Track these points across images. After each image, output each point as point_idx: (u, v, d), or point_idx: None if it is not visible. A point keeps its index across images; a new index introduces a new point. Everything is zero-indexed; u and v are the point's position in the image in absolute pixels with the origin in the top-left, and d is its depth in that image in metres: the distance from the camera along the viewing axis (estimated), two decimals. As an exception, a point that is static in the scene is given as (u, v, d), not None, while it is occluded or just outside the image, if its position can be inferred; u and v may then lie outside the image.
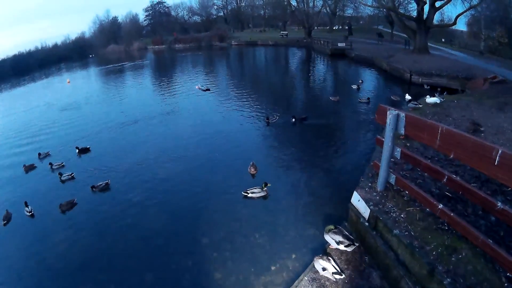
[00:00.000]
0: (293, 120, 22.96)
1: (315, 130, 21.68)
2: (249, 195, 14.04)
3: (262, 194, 14.05)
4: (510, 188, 8.41)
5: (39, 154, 22.03)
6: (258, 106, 28.70)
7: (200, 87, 38.42)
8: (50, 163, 20.24)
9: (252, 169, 16.19)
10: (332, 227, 9.47)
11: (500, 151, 5.10)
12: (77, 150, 21.86)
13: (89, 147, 22.29)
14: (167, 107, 32.42)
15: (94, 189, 16.29)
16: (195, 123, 25.60)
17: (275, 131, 22.00)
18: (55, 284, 10.97)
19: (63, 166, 20.11)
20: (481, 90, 22.34)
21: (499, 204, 5.85)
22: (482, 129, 13.57)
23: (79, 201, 15.47)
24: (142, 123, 27.90)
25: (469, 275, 6.04)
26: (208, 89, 37.25)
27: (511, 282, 5.84)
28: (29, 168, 20.45)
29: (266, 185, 14.19)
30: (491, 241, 5.93)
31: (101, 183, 16.49)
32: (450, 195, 8.40)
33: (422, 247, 6.83)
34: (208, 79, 46.69)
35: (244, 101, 31.02)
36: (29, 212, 15.35)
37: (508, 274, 5.92)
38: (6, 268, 12.19)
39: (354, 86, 31.64)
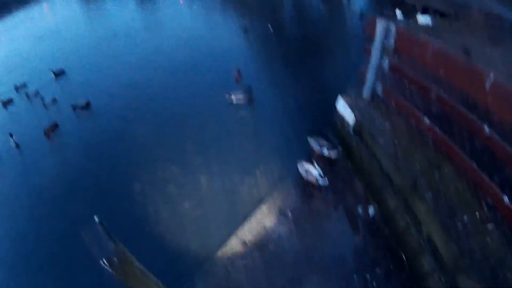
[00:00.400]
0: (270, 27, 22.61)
1: (301, 38, 21.42)
2: (234, 102, 14.07)
3: (245, 98, 14.07)
4: (497, 117, 8.57)
5: (16, 86, 21.70)
6: (240, 15, 28.18)
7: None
8: (26, 94, 20.25)
9: (236, 75, 16.18)
10: (316, 131, 9.63)
11: (492, 76, 5.18)
12: (52, 74, 21.62)
13: (63, 69, 22.07)
14: (150, 21, 31.82)
15: (75, 109, 16.20)
16: (179, 34, 25.13)
17: (258, 39, 21.69)
18: (47, 208, 11.23)
19: (37, 93, 20.01)
20: (475, 21, 22.07)
21: (487, 129, 5.97)
22: (472, 56, 13.56)
23: (63, 124, 15.43)
24: (121, 36, 27.43)
25: (450, 194, 6.27)
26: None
27: (491, 208, 6.04)
28: (7, 102, 20.27)
29: (249, 90, 14.39)
30: (475, 164, 6.09)
31: (81, 102, 16.34)
32: (437, 113, 8.43)
33: (406, 159, 7.03)
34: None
35: (227, 12, 30.20)
36: (14, 143, 15.45)
37: (489, 200, 6.12)
38: None
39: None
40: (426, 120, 7.14)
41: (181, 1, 35.39)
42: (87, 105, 16.44)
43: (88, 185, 11.66)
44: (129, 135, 13.52)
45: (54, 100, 18.18)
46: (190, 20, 28.75)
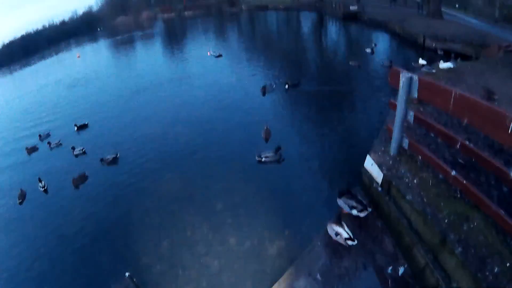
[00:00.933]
0: (286, 86, 22.63)
1: (327, 94, 21.60)
2: (263, 159, 14.13)
3: (275, 158, 14.15)
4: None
5: (40, 135, 22.26)
6: (270, 71, 28.45)
7: (212, 53, 37.57)
8: (49, 142, 20.49)
9: (266, 133, 16.25)
10: (345, 191, 9.56)
11: (512, 118, 5.10)
12: (75, 127, 22.05)
13: (87, 123, 22.49)
14: (178, 74, 32.51)
15: (102, 162, 16.48)
16: (207, 89, 25.53)
17: (288, 96, 21.91)
18: (74, 256, 11.28)
19: (60, 144, 20.40)
20: (495, 58, 22.02)
21: (512, 173, 5.87)
22: (495, 97, 13.44)
23: (91, 174, 15.73)
24: (151, 90, 28.13)
25: (480, 246, 6.10)
26: (220, 55, 36.37)
27: None
28: (32, 150, 20.67)
29: (279, 149, 14.28)
30: (502, 211, 5.97)
31: (109, 156, 16.65)
32: (463, 162, 8.37)
33: (434, 215, 6.91)
34: (219, 44, 46.14)
35: (256, 67, 30.67)
36: (43, 188, 15.70)
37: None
38: (26, 244, 12.55)
39: (368, 50, 31.01)
40: (453, 172, 7.03)
41: (209, 53, 36.13)
42: (114, 159, 16.61)
43: (116, 235, 11.62)
44: (156, 191, 13.53)
45: (85, 152, 18.30)
46: (218, 73, 29.32)
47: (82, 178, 15.38)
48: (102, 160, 16.47)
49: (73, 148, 18.44)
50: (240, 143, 16.24)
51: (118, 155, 16.77)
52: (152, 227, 11.57)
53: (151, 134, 18.62)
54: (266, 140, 15.91)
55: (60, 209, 13.92)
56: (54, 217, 13.57)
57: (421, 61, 22.46)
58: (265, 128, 16.32)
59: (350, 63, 27.59)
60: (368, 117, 17.42)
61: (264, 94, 22.02)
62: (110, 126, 21.64)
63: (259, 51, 38.45)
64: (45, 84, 42.49)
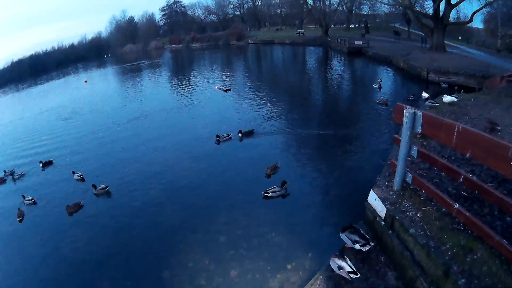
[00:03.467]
0: (240, 135, 21.45)
1: (332, 128, 21.65)
2: (270, 194, 14.05)
3: (281, 192, 14.09)
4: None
5: (4, 171, 21.27)
6: (277, 108, 28.49)
7: (221, 87, 37.45)
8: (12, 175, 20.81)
9: (268, 170, 16.15)
10: (348, 226, 9.49)
11: (515, 150, 5.09)
12: (40, 164, 21.45)
13: (52, 160, 22.00)
14: (184, 107, 32.65)
15: (95, 190, 16.32)
16: (213, 124, 25.43)
17: (293, 131, 21.97)
18: (72, 281, 11.17)
19: (23, 175, 20.63)
20: (498, 88, 22.08)
21: (514, 203, 5.84)
22: (499, 128, 13.45)
23: (89, 203, 15.69)
24: (152, 116, 28.91)
25: (484, 276, 6.04)
26: (229, 89, 36.26)
27: None
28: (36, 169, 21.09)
29: (285, 183, 14.21)
30: (506, 241, 5.92)
31: (101, 187, 16.57)
32: (467, 194, 8.34)
33: (438, 247, 6.84)
34: (226, 78, 46.78)
35: (263, 102, 30.83)
36: (30, 200, 16.23)
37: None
38: (24, 264, 12.48)
39: (376, 85, 31.08)
40: (456, 204, 6.99)
41: (216, 88, 36.35)
42: (105, 189, 16.42)
43: (116, 264, 11.40)
44: (162, 221, 13.53)
45: (83, 178, 18.32)
46: (223, 107, 29.32)
47: (77, 206, 15.24)
48: (94, 187, 16.41)
49: (74, 172, 18.75)
50: (245, 177, 16.23)
51: (109, 186, 16.66)
52: (153, 257, 11.50)
53: (157, 161, 18.80)
54: (269, 176, 15.82)
55: (53, 235, 13.84)
56: (53, 239, 13.51)
57: (424, 95, 22.62)
58: (273, 164, 16.28)
59: (377, 101, 26.86)
60: (373, 152, 17.43)
61: (218, 143, 21.16)
62: (120, 151, 21.87)
63: (266, 87, 38.72)
64: (48, 108, 43.07)
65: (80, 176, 18.61)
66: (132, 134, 25.08)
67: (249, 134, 21.57)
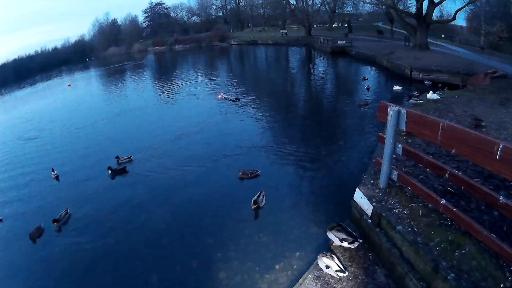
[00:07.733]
0: (110, 172, 18.36)
1: (316, 129, 21.67)
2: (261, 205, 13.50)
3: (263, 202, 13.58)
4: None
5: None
6: (259, 110, 28.29)
7: (226, 96, 32.56)
8: None
9: (240, 173, 15.93)
10: (335, 224, 9.48)
11: (501, 146, 5.10)
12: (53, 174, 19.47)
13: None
14: (167, 111, 32.80)
15: (55, 223, 14.32)
16: (199, 127, 25.22)
17: (276, 132, 21.99)
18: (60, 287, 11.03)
19: None
20: (482, 85, 22.32)
21: (502, 198, 5.85)
22: (483, 124, 13.58)
23: (75, 208, 15.40)
24: (136, 118, 29.22)
25: (473, 271, 6.05)
26: (237, 99, 31.15)
27: None
28: None
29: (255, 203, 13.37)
30: (494, 236, 5.93)
31: (124, 160, 16.36)
32: (453, 190, 8.41)
33: (426, 243, 6.84)
34: (209, 80, 46.55)
35: (244, 103, 30.66)
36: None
37: None
38: (7, 271, 12.30)
39: (365, 86, 30.78)
40: (442, 200, 7.00)
41: (219, 96, 33.03)
42: (129, 158, 17.55)
43: (104, 269, 11.21)
44: (149, 225, 13.33)
45: (55, 176, 18.41)
46: (219, 119, 28.27)
47: (39, 231, 14.17)
48: (55, 220, 14.40)
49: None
50: (229, 180, 16.11)
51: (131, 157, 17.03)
52: (141, 262, 11.36)
53: (145, 165, 18.58)
54: (241, 179, 15.59)
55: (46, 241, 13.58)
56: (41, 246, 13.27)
57: (396, 87, 23.04)
58: (241, 170, 16.05)
59: (358, 103, 26.43)
60: (358, 151, 17.46)
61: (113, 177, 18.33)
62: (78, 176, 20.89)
63: (249, 89, 38.22)
64: (33, 110, 43.09)
65: (55, 175, 18.54)
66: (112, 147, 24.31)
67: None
